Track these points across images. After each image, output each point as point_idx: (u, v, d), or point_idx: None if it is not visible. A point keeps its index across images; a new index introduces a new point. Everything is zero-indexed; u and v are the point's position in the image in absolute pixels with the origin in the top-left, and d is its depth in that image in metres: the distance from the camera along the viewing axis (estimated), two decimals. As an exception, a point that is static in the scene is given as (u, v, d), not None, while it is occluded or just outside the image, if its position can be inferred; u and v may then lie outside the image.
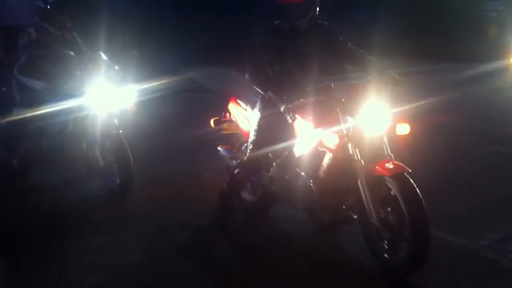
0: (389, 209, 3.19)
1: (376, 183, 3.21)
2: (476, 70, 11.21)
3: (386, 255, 3.26)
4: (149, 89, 6.07)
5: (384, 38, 10.86)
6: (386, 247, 3.26)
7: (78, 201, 4.55)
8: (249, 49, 3.76)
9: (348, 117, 3.35)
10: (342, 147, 3.31)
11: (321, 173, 3.48)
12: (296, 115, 3.44)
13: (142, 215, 4.31)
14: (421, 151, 5.38)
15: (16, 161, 4.99)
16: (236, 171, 3.93)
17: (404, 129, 3.41)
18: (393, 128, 3.39)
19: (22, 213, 4.32)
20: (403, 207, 3.04)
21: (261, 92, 3.66)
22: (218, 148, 4.48)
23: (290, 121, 3.44)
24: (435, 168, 5.10)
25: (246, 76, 3.65)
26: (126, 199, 4.58)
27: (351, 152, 3.29)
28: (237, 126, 4.31)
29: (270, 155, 3.79)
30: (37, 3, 4.89)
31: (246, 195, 4.28)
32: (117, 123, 4.68)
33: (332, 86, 3.53)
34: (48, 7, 4.79)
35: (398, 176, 3.09)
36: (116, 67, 4.85)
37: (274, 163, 3.82)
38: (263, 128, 3.74)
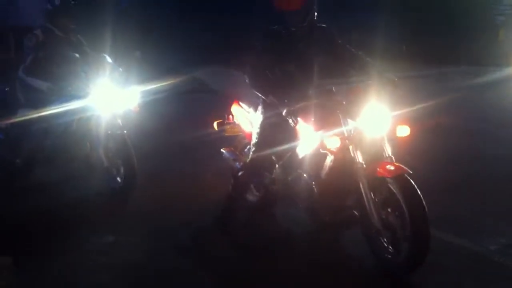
0: (390, 210, 3.26)
1: (377, 184, 3.28)
2: (486, 73, 11.10)
3: (387, 255, 3.34)
4: (152, 90, 6.17)
5: (385, 40, 10.90)
6: (387, 247, 3.34)
7: (80, 200, 4.63)
8: (249, 52, 3.83)
9: (348, 120, 3.41)
10: (343, 149, 3.38)
11: (323, 174, 3.55)
12: (297, 118, 3.51)
13: (144, 215, 4.39)
14: (422, 152, 5.43)
15: (20, 160, 5.08)
16: (240, 173, 4.00)
17: (404, 131, 3.48)
18: (394, 130, 3.46)
19: (24, 212, 4.40)
20: (404, 208, 3.12)
21: (262, 96, 3.73)
22: (222, 150, 4.55)
23: (292, 124, 3.51)
24: (436, 169, 5.16)
25: (247, 80, 3.72)
26: (129, 198, 4.67)
27: (352, 154, 3.36)
28: (240, 128, 4.39)
29: (273, 157, 3.85)
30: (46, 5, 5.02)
31: (249, 196, 4.35)
32: (121, 123, 4.78)
33: (333, 89, 3.60)
34: (55, 9, 4.90)
35: (398, 177, 3.17)
36: (120, 69, 4.95)
37: (277, 165, 3.89)
38: (265, 130, 3.81)
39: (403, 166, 3.21)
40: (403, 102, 3.78)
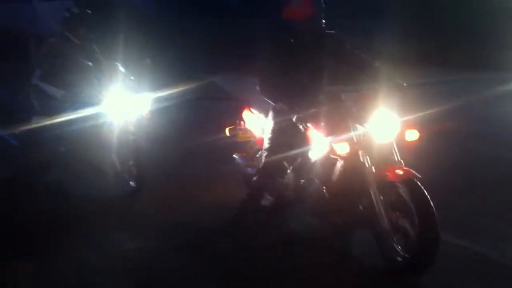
0: (399, 213, 3.36)
1: (387, 188, 3.38)
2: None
3: (397, 258, 3.43)
4: (164, 97, 6.31)
5: (394, 46, 10.90)
6: (397, 249, 3.43)
7: (93, 203, 4.76)
8: (259, 59, 3.95)
9: (358, 125, 3.52)
10: (353, 154, 3.48)
11: (333, 179, 3.65)
12: (307, 124, 3.62)
13: (155, 217, 4.53)
14: (432, 157, 5.51)
15: (33, 166, 5.25)
16: (254, 177, 4.12)
17: (413, 135, 3.57)
18: (403, 135, 3.55)
19: (37, 215, 4.54)
20: (413, 211, 3.22)
21: (272, 103, 3.85)
22: (234, 155, 4.68)
23: (302, 130, 3.62)
24: (446, 173, 5.23)
25: (257, 88, 3.84)
26: (141, 202, 4.82)
27: (361, 159, 3.46)
28: (251, 134, 4.51)
29: (284, 162, 3.97)
30: (64, 12, 5.19)
31: (262, 200, 4.45)
32: (133, 129, 4.94)
33: (342, 95, 3.70)
34: (72, 17, 5.07)
35: (407, 181, 3.27)
36: (132, 77, 5.09)
37: (288, 170, 4.01)
38: (276, 136, 3.93)
39: (412, 170, 3.31)
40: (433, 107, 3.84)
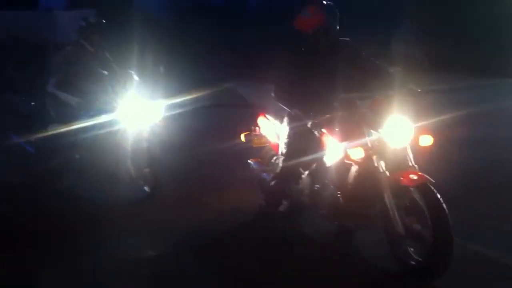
0: (413, 218, 3.44)
1: (401, 193, 3.47)
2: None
3: (410, 262, 3.51)
4: (179, 103, 6.45)
5: (410, 52, 10.90)
6: (410, 253, 3.50)
7: (108, 209, 4.87)
8: (274, 67, 4.06)
9: (372, 131, 3.60)
10: (367, 159, 3.57)
11: (348, 184, 3.75)
12: (323, 130, 3.72)
13: (167, 222, 4.63)
14: (448, 162, 5.59)
15: (49, 173, 5.38)
16: (272, 182, 4.22)
17: (427, 140, 3.64)
18: (417, 140, 3.63)
19: (52, 220, 4.66)
20: (427, 216, 3.29)
21: (287, 109, 3.95)
22: (249, 161, 4.79)
23: (317, 135, 3.71)
24: (460, 178, 5.28)
25: (272, 94, 3.95)
26: (155, 207, 4.94)
27: (376, 164, 3.55)
28: (266, 139, 4.61)
29: (299, 167, 4.06)
30: (80, 21, 5.36)
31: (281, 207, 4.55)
32: (147, 136, 5.07)
33: (357, 101, 3.78)
34: (88, 26, 5.24)
35: (421, 186, 3.35)
36: (145, 85, 5.23)
37: (303, 175, 4.10)
38: (292, 141, 4.05)
39: (425, 175, 3.39)
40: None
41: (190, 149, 6.80)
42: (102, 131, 5.05)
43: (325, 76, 3.90)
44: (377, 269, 3.78)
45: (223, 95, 9.96)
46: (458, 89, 10.70)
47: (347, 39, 4.06)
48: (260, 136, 4.68)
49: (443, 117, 5.74)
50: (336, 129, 3.73)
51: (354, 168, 3.69)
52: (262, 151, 4.80)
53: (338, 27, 3.95)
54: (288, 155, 4.07)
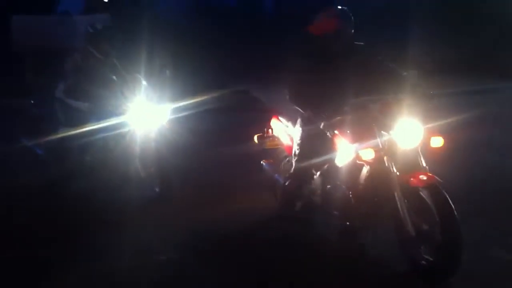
0: (423, 218, 3.56)
1: (411, 193, 3.59)
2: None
3: (421, 262, 3.62)
4: (188, 106, 6.63)
5: (427, 54, 10.93)
6: (421, 254, 3.61)
7: (118, 209, 5.02)
8: (289, 70, 4.19)
9: (383, 132, 3.73)
10: (379, 160, 3.70)
11: (359, 184, 3.88)
12: (335, 131, 3.83)
13: (177, 222, 4.77)
14: (459, 163, 5.71)
15: (59, 175, 5.55)
16: (287, 182, 4.34)
17: (438, 142, 3.75)
18: (428, 141, 3.72)
19: (64, 222, 4.79)
20: (436, 216, 3.39)
21: (301, 111, 4.07)
22: (261, 162, 4.94)
23: (329, 136, 3.83)
24: (470, 179, 5.43)
25: (287, 96, 4.08)
26: (164, 207, 5.10)
27: (387, 165, 3.66)
28: (279, 141, 4.74)
29: (312, 168, 4.18)
30: (87, 28, 5.55)
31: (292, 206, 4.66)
32: (154, 137, 5.28)
33: (369, 104, 3.89)
34: (96, 32, 5.45)
35: (430, 187, 3.47)
36: (151, 88, 5.43)
37: (315, 176, 4.21)
38: (305, 142, 4.19)
39: (435, 176, 3.51)
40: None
41: (200, 150, 6.95)
42: (111, 133, 5.25)
43: (338, 80, 4.03)
44: (388, 269, 3.91)
45: (234, 97, 10.08)
46: (474, 92, 10.73)
47: (362, 43, 4.18)
48: (273, 138, 4.82)
49: (455, 119, 5.77)
50: (348, 130, 3.85)
51: (365, 169, 3.81)
52: (275, 153, 4.93)
53: (353, 31, 4.06)
54: (301, 156, 4.20)
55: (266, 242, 4.33)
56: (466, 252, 3.55)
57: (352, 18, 4.06)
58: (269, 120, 4.91)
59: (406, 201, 3.59)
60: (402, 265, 3.77)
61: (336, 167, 4.00)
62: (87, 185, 5.37)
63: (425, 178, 3.51)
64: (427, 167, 3.69)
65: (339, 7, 4.11)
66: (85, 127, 5.27)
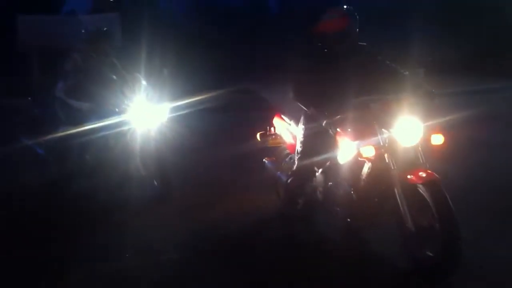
0: (422, 214, 3.67)
1: (410, 190, 3.70)
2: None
3: (422, 257, 3.72)
4: (187, 105, 6.77)
5: (430, 54, 11.02)
6: (422, 249, 3.71)
7: (119, 206, 5.17)
8: (293, 68, 4.29)
9: (384, 130, 3.84)
10: (379, 157, 3.82)
11: (360, 181, 4.00)
12: (337, 129, 3.94)
13: (177, 220, 4.90)
14: (459, 161, 5.83)
15: (60, 174, 5.69)
16: (289, 180, 4.44)
17: (438, 139, 3.85)
18: (428, 139, 3.82)
19: (67, 219, 4.92)
20: (434, 212, 3.48)
21: (304, 109, 4.17)
22: (264, 160, 5.05)
23: (331, 134, 3.92)
24: (469, 177, 5.54)
25: (291, 94, 4.18)
26: (164, 205, 5.25)
27: (387, 162, 3.77)
28: (281, 139, 4.84)
29: (314, 165, 4.28)
30: (88, 28, 5.69)
31: (294, 203, 4.76)
32: (154, 136, 5.44)
33: (369, 102, 3.98)
34: (92, 33, 5.60)
35: (429, 183, 3.57)
36: (150, 87, 5.58)
37: (317, 173, 4.31)
38: (308, 140, 4.32)
39: (434, 173, 3.62)
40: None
41: (196, 149, 7.08)
42: (111, 132, 5.38)
43: (340, 78, 4.15)
44: (390, 266, 4.02)
45: (237, 96, 10.18)
46: (474, 91, 10.82)
47: (365, 43, 4.29)
48: (275, 136, 4.93)
49: (455, 117, 5.87)
50: (350, 128, 3.95)
51: (367, 166, 3.93)
52: (277, 151, 5.04)
53: (357, 31, 4.18)
54: (303, 154, 4.31)
55: (267, 241, 4.44)
56: (472, 252, 3.72)
57: (357, 17, 4.17)
58: (271, 119, 5.01)
59: (406, 197, 3.70)
60: (404, 262, 3.86)
61: (338, 165, 4.11)
62: (87, 185, 5.51)
63: (424, 175, 3.62)
64: (427, 164, 3.78)
65: (346, 6, 4.23)
66: (86, 126, 5.41)
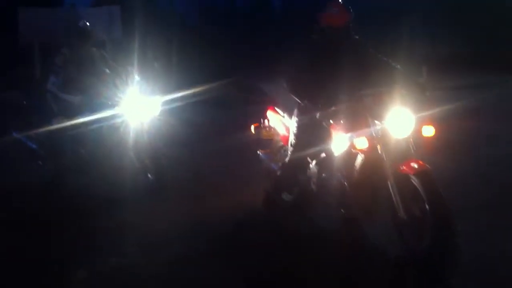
0: (414, 204, 3.80)
1: (402, 180, 3.84)
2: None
3: (413, 245, 3.86)
4: (178, 98, 6.90)
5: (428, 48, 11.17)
6: (413, 237, 3.83)
7: (114, 197, 5.29)
8: (288, 62, 4.39)
9: (376, 122, 3.96)
10: (372, 149, 3.96)
11: (354, 172, 4.13)
12: (330, 121, 4.04)
13: (169, 213, 5.01)
14: (450, 151, 5.99)
15: (54, 168, 5.81)
16: (279, 171, 4.55)
17: (429, 131, 3.98)
18: (420, 130, 3.94)
19: (64, 211, 5.06)
20: (426, 201, 3.61)
21: (298, 101, 4.27)
22: (258, 152, 5.18)
23: (325, 126, 4.04)
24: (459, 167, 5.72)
25: (285, 86, 4.29)
26: (160, 193, 5.39)
27: (380, 153, 3.89)
28: (275, 131, 4.95)
29: (307, 157, 4.39)
30: (82, 24, 5.78)
31: (285, 196, 4.88)
32: (147, 128, 5.56)
33: (362, 94, 4.10)
34: (80, 29, 5.70)
35: (420, 174, 3.71)
36: (141, 80, 5.67)
37: (310, 165, 4.43)
38: (301, 132, 4.45)
39: (424, 164, 3.77)
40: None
41: (189, 141, 7.19)
42: (105, 124, 5.51)
43: (334, 72, 4.27)
44: (384, 255, 4.15)
45: (231, 89, 10.27)
46: (468, 86, 10.99)
47: (357, 37, 4.41)
48: (269, 128, 5.03)
49: (448, 109, 6.02)
50: (343, 120, 4.07)
51: (360, 157, 4.05)
52: (271, 143, 5.14)
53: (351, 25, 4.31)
54: (297, 145, 4.43)
55: (260, 232, 4.53)
56: (479, 247, 3.88)
57: (352, 12, 4.31)
58: (265, 111, 5.12)
59: (398, 188, 3.83)
60: (397, 251, 3.97)
61: (332, 156, 4.23)
62: (84, 180, 5.65)
63: (416, 165, 3.76)
64: (418, 155, 3.91)
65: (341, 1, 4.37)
66: (79, 118, 5.53)
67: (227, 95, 9.96)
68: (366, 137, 3.93)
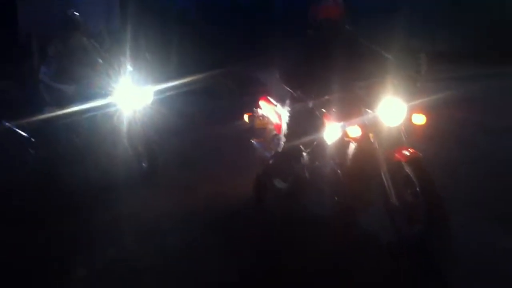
0: (407, 190, 3.94)
1: (395, 168, 3.98)
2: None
3: (405, 231, 3.99)
4: (170, 87, 7.00)
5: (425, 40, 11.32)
6: (405, 223, 3.97)
7: (109, 185, 5.42)
8: (281, 53, 4.50)
9: (368, 111, 4.07)
10: (365, 137, 4.08)
11: (347, 161, 4.26)
12: (323, 110, 4.15)
13: (163, 201, 5.15)
14: (440, 139, 6.16)
15: (48, 157, 5.87)
16: (271, 160, 4.67)
17: (419, 119, 4.10)
18: (410, 119, 4.07)
19: (60, 200, 5.14)
20: (418, 187, 3.74)
21: (291, 91, 4.39)
22: (252, 141, 5.29)
23: (318, 115, 4.15)
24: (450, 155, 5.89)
25: (278, 76, 4.40)
26: (153, 181, 5.57)
27: (372, 141, 4.02)
28: (268, 120, 5.07)
29: (301, 146, 4.51)
30: (71, 14, 5.84)
31: (278, 183, 5.00)
32: (140, 116, 5.69)
33: (355, 84, 4.22)
34: (71, 19, 5.76)
35: (412, 161, 3.84)
36: (133, 70, 5.76)
37: (304, 153, 4.55)
38: (294, 121, 4.58)
39: (416, 151, 3.90)
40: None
41: (180, 130, 7.31)
42: (98, 113, 5.61)
43: (327, 61, 4.38)
44: (377, 241, 4.25)
45: (222, 78, 10.35)
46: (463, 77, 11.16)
47: (347, 26, 4.51)
48: (263, 117, 5.14)
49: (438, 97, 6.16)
50: (335, 109, 4.19)
51: (352, 146, 4.18)
52: (264, 132, 5.26)
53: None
54: (290, 135, 4.55)
55: (253, 220, 4.65)
56: (475, 242, 4.00)
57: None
58: (258, 100, 5.22)
59: (390, 175, 3.97)
60: (390, 237, 4.04)
61: (324, 145, 4.36)
62: (78, 169, 5.74)
63: (407, 153, 3.89)
64: (409, 142, 4.04)
65: None
66: (72, 107, 5.61)
67: (218, 86, 10.05)
68: (358, 125, 4.06)
